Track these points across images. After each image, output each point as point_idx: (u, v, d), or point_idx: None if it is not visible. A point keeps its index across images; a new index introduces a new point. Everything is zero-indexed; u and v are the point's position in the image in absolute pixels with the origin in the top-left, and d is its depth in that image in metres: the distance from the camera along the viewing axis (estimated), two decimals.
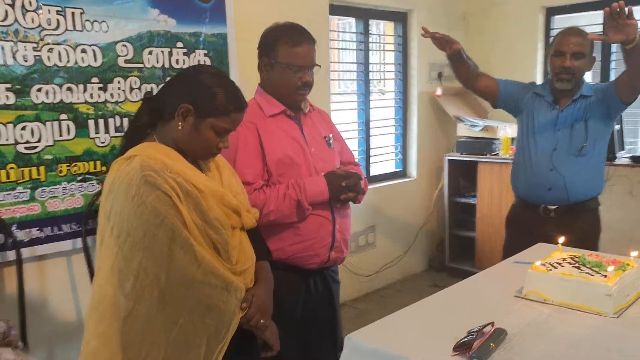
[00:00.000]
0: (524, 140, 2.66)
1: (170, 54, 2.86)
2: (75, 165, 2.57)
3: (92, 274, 2.54)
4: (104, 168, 2.68)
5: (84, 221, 2.55)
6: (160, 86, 1.70)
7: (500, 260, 2.43)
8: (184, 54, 2.92)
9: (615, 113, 2.60)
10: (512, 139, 4.07)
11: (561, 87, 2.51)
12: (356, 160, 2.37)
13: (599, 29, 4.09)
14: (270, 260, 1.78)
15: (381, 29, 4.46)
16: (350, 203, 2.14)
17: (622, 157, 3.82)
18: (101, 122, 2.64)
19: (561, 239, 1.74)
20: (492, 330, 1.28)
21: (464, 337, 1.25)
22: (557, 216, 2.55)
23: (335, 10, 3.85)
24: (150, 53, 2.78)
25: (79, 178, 2.59)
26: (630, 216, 3.59)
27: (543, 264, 1.56)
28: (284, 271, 1.96)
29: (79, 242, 2.59)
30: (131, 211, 1.45)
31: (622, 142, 3.91)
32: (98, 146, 2.65)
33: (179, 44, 2.89)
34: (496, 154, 4.27)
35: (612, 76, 4.23)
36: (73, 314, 2.65)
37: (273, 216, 1.96)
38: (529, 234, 2.48)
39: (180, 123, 1.55)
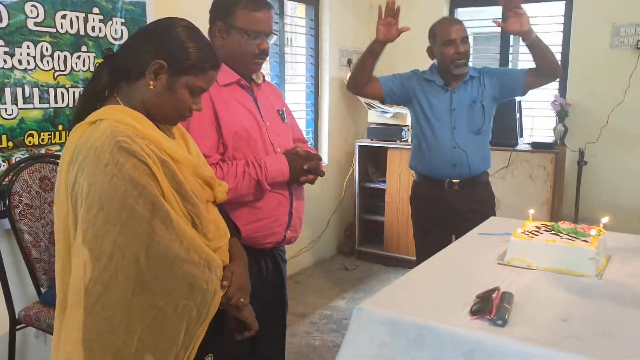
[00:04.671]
0: (421, 124, 2.82)
1: (86, 19, 2.59)
2: None
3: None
4: (10, 144, 2.36)
5: None
6: (124, 42, 1.50)
7: (410, 240, 2.64)
8: (100, 20, 2.66)
9: (505, 99, 2.91)
10: None
11: (460, 72, 2.70)
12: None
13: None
14: (239, 237, 1.67)
15: (295, 12, 4.40)
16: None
17: (522, 144, 4.10)
18: (7, 91, 2.32)
19: (531, 211, 1.81)
20: (500, 293, 1.29)
21: (477, 302, 1.25)
22: (460, 189, 2.77)
23: None
24: (63, 17, 2.50)
25: None
26: (531, 198, 3.86)
27: (523, 232, 1.60)
28: None
29: None
30: (104, 182, 1.26)
31: (521, 129, 4.19)
32: (4, 118, 2.33)
33: (95, 10, 2.63)
34: (405, 140, 4.39)
35: (509, 61, 4.53)
36: None
37: (230, 195, 1.83)
38: (435, 207, 2.78)
39: (151, 82, 1.38)
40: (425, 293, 1.40)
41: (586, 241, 1.52)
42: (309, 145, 2.24)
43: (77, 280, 1.29)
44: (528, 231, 1.62)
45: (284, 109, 2.12)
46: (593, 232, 1.56)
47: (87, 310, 1.27)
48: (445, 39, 2.68)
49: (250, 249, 1.93)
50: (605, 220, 1.65)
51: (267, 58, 3.96)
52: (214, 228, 1.49)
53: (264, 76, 2.09)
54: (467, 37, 2.73)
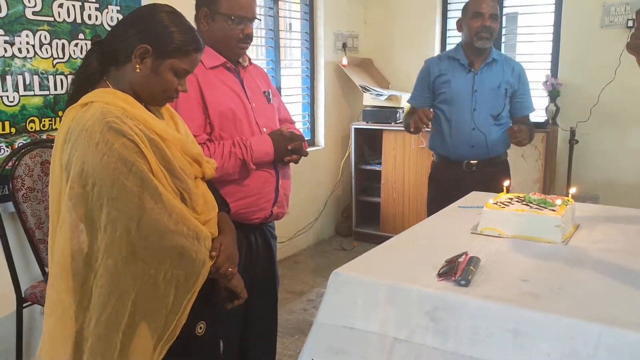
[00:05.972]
0: (442, 105, 2.85)
1: (82, 8, 2.67)
2: None
3: (5, 241, 2.34)
4: (13, 130, 2.46)
5: None
6: (111, 28, 1.59)
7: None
8: (96, 9, 2.74)
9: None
10: None
11: (481, 45, 2.72)
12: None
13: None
14: (228, 212, 1.76)
15: None
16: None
17: None
18: (9, 78, 2.42)
19: (506, 182, 1.90)
20: (467, 258, 1.38)
21: (445, 266, 1.34)
22: (478, 170, 2.80)
23: None
24: (60, 6, 2.58)
25: None
26: (522, 177, 3.94)
27: (495, 203, 1.69)
28: None
29: None
30: (96, 160, 1.36)
31: None
32: (6, 105, 2.42)
33: None
34: (400, 122, 4.46)
35: (502, 42, 4.58)
36: None
37: (217, 173, 1.91)
38: (453, 187, 2.73)
39: (138, 65, 1.47)
40: (398, 259, 1.49)
41: (553, 210, 1.61)
42: (295, 127, 2.32)
43: (62, 251, 1.39)
44: (500, 202, 1.71)
45: (269, 90, 2.20)
46: (559, 201, 1.65)
47: (84, 279, 1.38)
48: (475, 11, 2.71)
49: (240, 224, 2.03)
50: (572, 190, 1.74)
51: (263, 43, 4.07)
52: (203, 202, 1.58)
53: (249, 59, 2.16)
54: (497, 16, 2.74)
